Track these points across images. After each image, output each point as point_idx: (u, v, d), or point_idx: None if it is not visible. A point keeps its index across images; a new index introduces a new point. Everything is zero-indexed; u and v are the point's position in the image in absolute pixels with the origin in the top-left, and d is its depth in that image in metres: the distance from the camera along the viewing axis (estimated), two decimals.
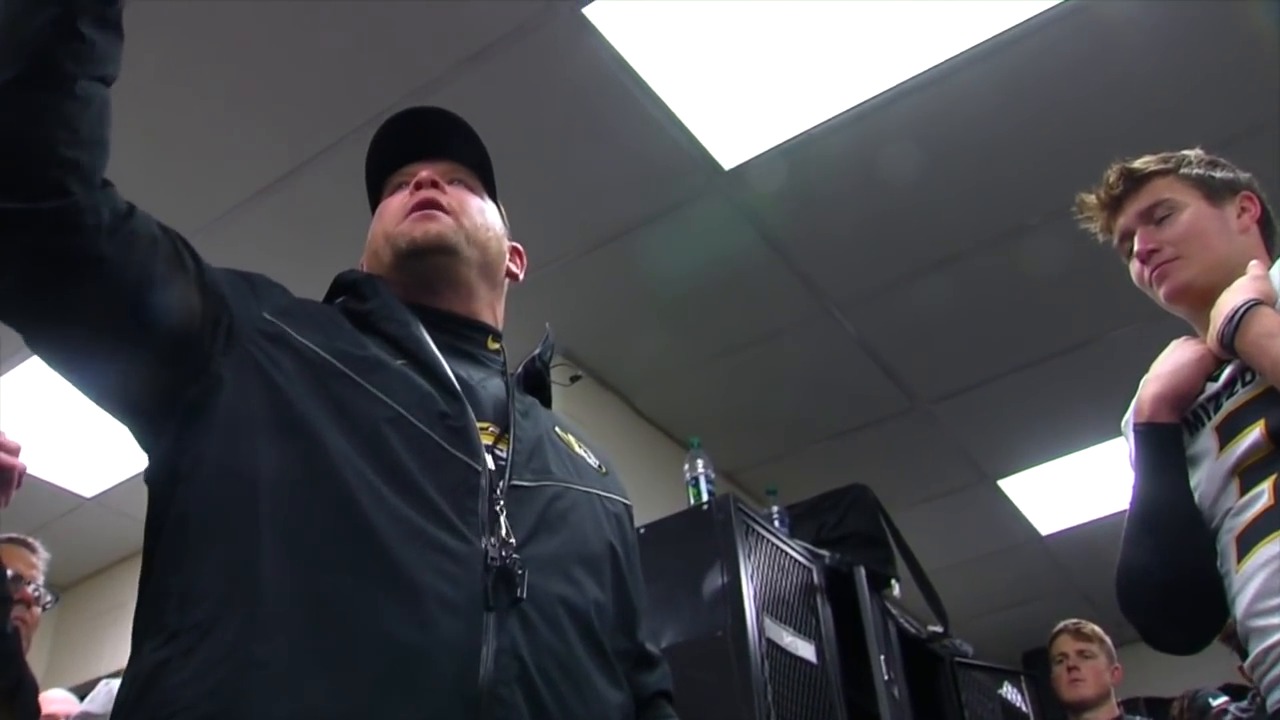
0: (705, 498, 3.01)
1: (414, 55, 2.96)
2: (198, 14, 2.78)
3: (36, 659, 4.86)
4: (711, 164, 3.32)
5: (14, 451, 1.51)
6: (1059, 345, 4.21)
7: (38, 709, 1.62)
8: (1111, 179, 1.77)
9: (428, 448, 1.16)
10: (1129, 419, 1.70)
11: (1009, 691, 4.08)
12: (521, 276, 1.56)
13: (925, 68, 3.06)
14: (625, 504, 1.45)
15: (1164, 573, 1.61)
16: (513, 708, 1.06)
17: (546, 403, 1.47)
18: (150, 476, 1.16)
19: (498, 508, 1.16)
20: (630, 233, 3.57)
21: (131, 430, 1.18)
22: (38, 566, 2.16)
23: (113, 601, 5.07)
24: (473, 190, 1.48)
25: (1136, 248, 1.71)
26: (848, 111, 3.18)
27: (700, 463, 3.08)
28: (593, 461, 1.42)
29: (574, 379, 1.63)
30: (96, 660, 4.87)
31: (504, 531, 1.14)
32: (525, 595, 1.11)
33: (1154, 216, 1.71)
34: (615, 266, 3.65)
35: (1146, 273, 1.70)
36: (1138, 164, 1.76)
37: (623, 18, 2.89)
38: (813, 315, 3.99)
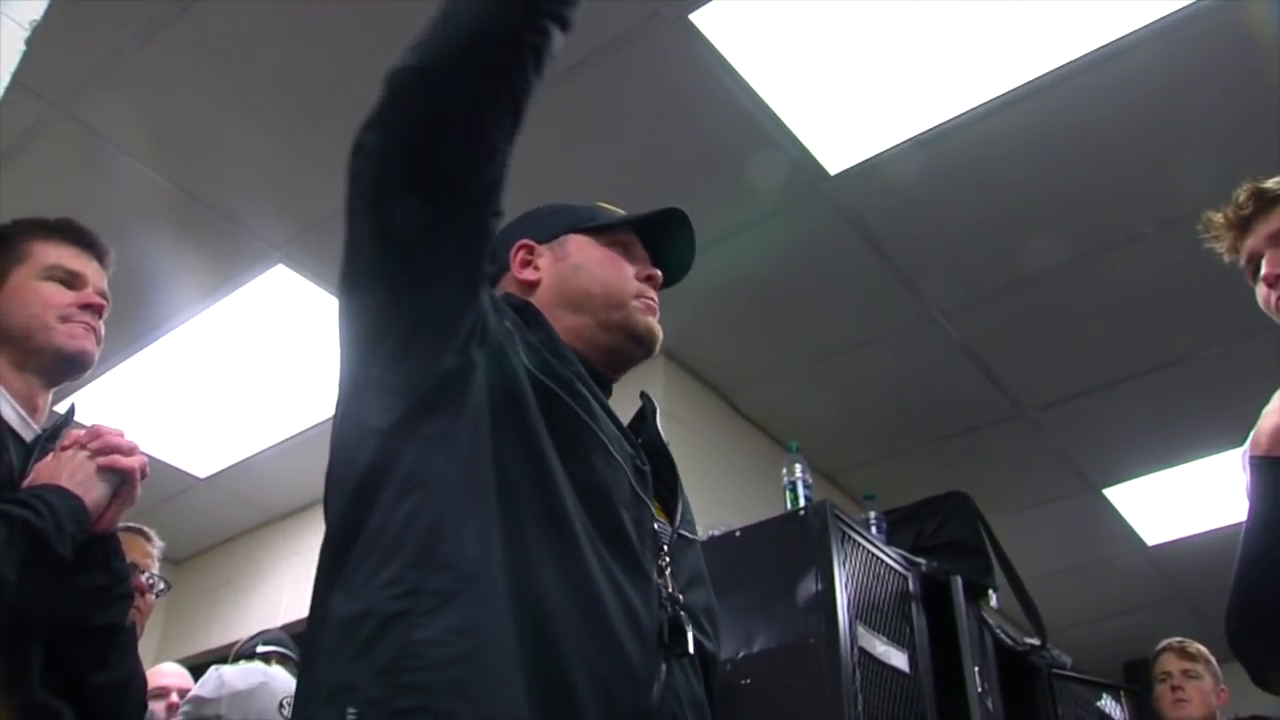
0: (802, 503, 3.00)
1: None
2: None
3: (150, 634, 5.07)
4: (817, 168, 3.32)
5: (131, 452, 1.55)
6: (1169, 356, 4.11)
7: (145, 703, 1.69)
8: (1241, 199, 1.69)
9: (623, 482, 1.24)
10: (1246, 450, 1.64)
11: (1108, 704, 4.01)
12: None
13: (1036, 74, 3.02)
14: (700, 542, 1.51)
15: (1275, 609, 1.57)
16: None
17: None
18: (378, 423, 1.17)
19: (664, 555, 1.26)
20: (735, 234, 3.57)
21: (380, 379, 1.20)
22: (153, 555, 2.23)
23: (223, 577, 5.24)
24: None
25: (1264, 270, 1.64)
26: (955, 119, 3.15)
27: (798, 467, 3.08)
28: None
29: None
30: (206, 634, 5.05)
31: (669, 578, 1.24)
32: (691, 649, 1.20)
33: None
34: (720, 267, 3.66)
35: (1274, 298, 1.63)
36: (1270, 184, 1.68)
37: (728, 23, 2.88)
38: (916, 319, 3.95)
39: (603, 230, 1.49)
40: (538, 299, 1.41)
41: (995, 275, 3.76)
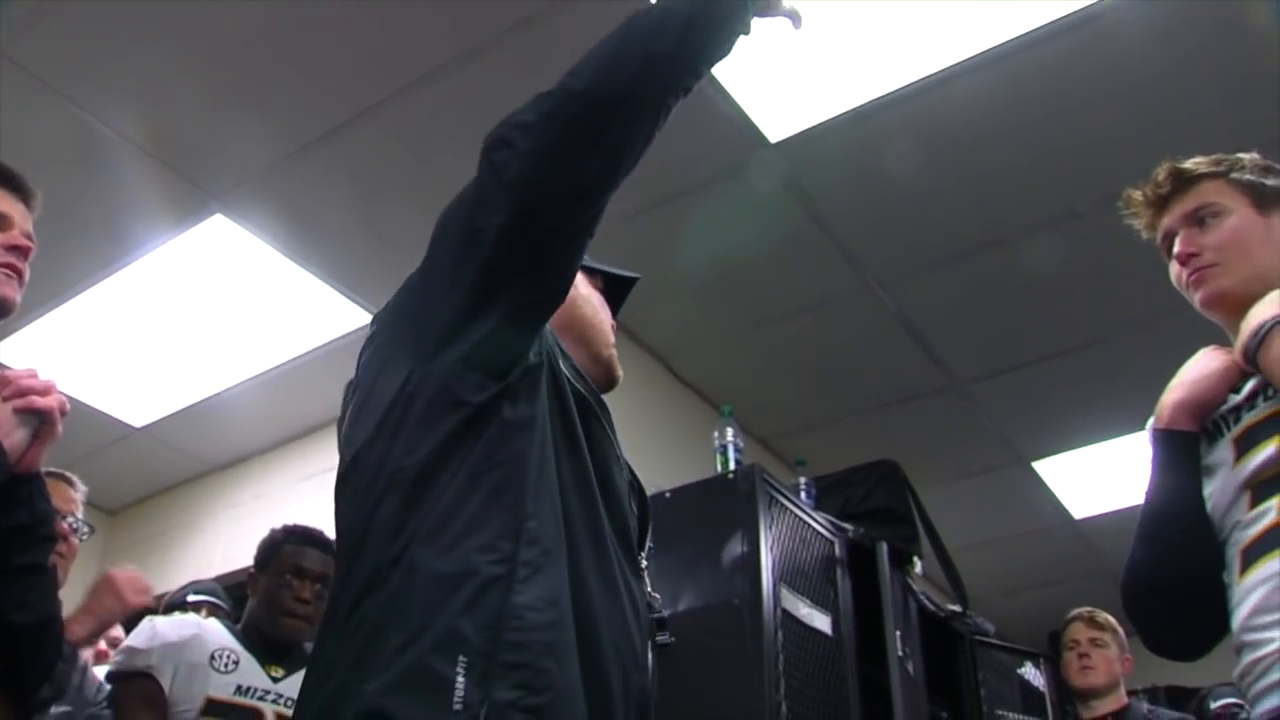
0: (732, 466, 3.04)
1: (457, 22, 2.98)
2: None
3: (82, 583, 5.03)
4: (758, 136, 3.33)
5: (47, 392, 1.55)
6: (1101, 332, 4.18)
7: (60, 647, 1.69)
8: (1160, 177, 1.73)
9: (625, 491, 1.43)
10: (1150, 423, 1.69)
11: (1029, 672, 4.10)
12: None
13: (979, 50, 3.04)
14: None
15: (1166, 578, 1.61)
16: (651, 712, 1.36)
17: None
18: (475, 402, 1.29)
19: (646, 560, 1.48)
20: (674, 200, 3.59)
21: (480, 345, 1.32)
22: (76, 500, 2.23)
23: (158, 528, 5.20)
24: None
25: (1177, 249, 1.68)
26: (898, 90, 3.17)
27: (730, 431, 3.11)
28: None
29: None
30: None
31: (646, 578, 1.45)
32: (667, 642, 1.48)
33: (1198, 219, 1.67)
34: (658, 232, 3.68)
35: (1185, 276, 1.67)
36: (1188, 164, 1.72)
37: None
38: (854, 290, 3.99)
39: (591, 271, 1.72)
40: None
41: (933, 248, 3.80)
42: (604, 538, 1.32)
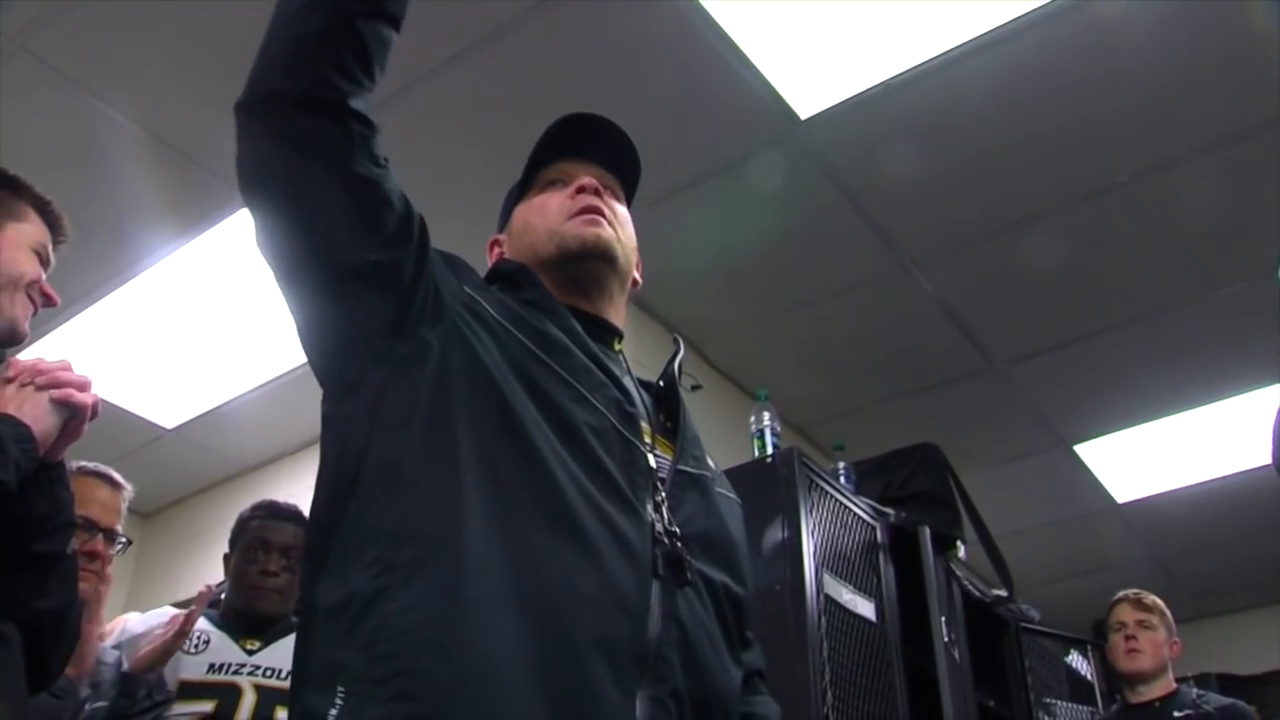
0: (770, 451, 3.00)
1: (457, 18, 2.93)
2: None
3: (118, 587, 5.02)
4: (788, 113, 3.27)
5: (84, 387, 1.56)
6: (1140, 311, 4.09)
7: (79, 632, 1.70)
8: None
9: (606, 428, 1.27)
10: None
11: (1075, 660, 4.04)
12: (641, 283, 1.62)
13: (1008, 18, 2.97)
14: (739, 503, 1.53)
15: None
16: (673, 667, 1.17)
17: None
18: (341, 413, 1.25)
19: (660, 491, 1.28)
20: (704, 181, 3.53)
21: (329, 366, 1.27)
22: (118, 508, 2.19)
23: (190, 530, 5.21)
24: (619, 199, 1.56)
25: None
26: (929, 62, 3.10)
27: (766, 415, 3.07)
28: (711, 463, 1.50)
29: (695, 388, 1.71)
30: (174, 585, 5.02)
31: (665, 510, 1.26)
32: (691, 577, 1.23)
33: None
34: (688, 214, 3.63)
35: None
36: None
37: None
38: (889, 270, 3.92)
39: (529, 184, 1.54)
40: None
41: (969, 226, 3.73)
42: (557, 485, 1.17)
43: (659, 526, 1.23)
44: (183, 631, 2.30)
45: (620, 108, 3.17)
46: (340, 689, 1.07)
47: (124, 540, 2.19)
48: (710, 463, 1.48)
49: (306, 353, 1.27)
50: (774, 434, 3.03)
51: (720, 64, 3.11)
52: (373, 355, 1.23)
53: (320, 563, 1.19)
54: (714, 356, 4.43)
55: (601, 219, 1.45)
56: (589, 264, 1.44)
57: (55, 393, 1.53)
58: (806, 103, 3.25)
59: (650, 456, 1.29)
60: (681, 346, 1.57)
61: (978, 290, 4.04)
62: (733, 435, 3.33)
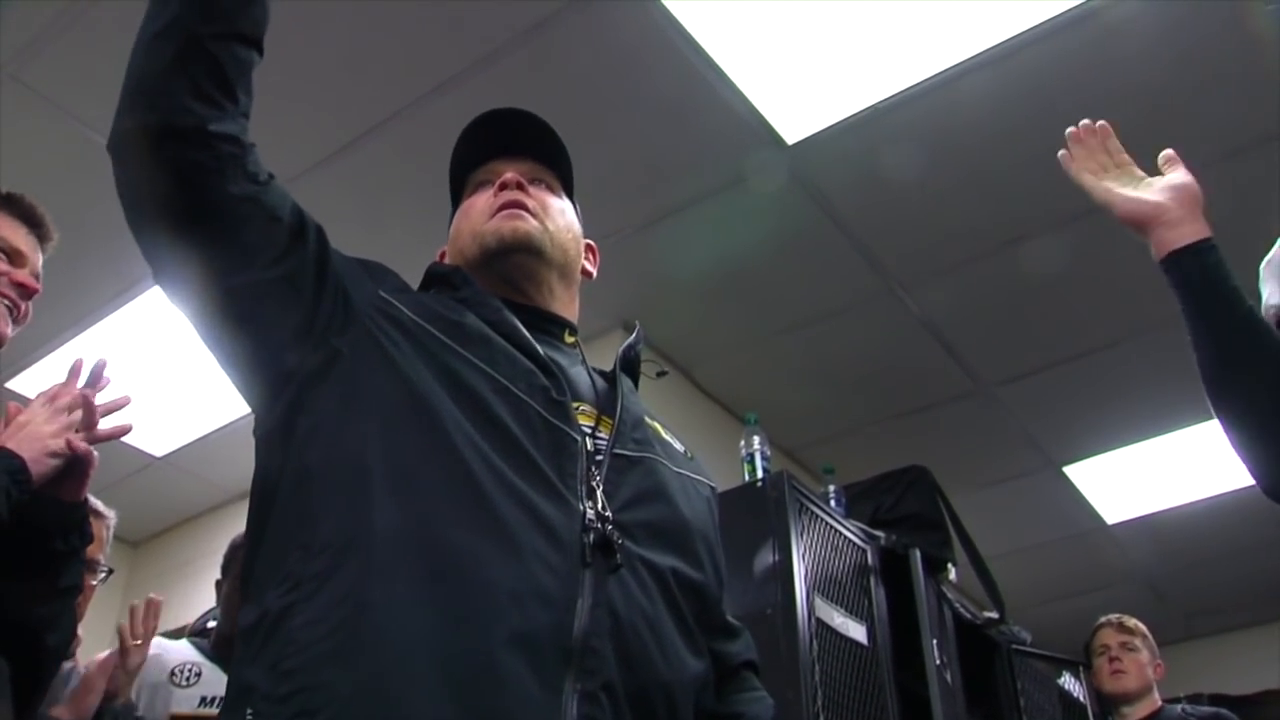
0: (760, 474, 3.00)
1: (471, 25, 2.96)
2: None
3: (105, 617, 4.99)
4: (775, 138, 3.29)
5: (91, 425, 1.67)
6: (1128, 331, 4.12)
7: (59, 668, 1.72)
8: None
9: (530, 417, 1.24)
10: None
11: (1068, 681, 4.03)
12: (595, 273, 1.62)
13: (995, 42, 3.00)
14: (711, 487, 1.51)
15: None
16: (604, 659, 1.13)
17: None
18: (263, 433, 1.25)
19: (595, 476, 1.24)
20: (692, 206, 3.55)
21: (247, 389, 1.27)
22: (102, 538, 2.19)
23: (180, 558, 5.19)
24: (553, 191, 1.55)
25: None
26: (915, 87, 3.13)
27: (756, 439, 3.07)
28: (679, 447, 1.48)
29: (660, 374, 1.68)
30: (163, 615, 4.98)
31: (599, 496, 1.23)
32: (622, 561, 1.19)
33: None
34: (677, 239, 3.64)
35: None
36: None
37: None
38: (876, 293, 3.94)
39: (458, 192, 1.56)
40: None
41: (956, 248, 3.75)
42: (475, 478, 1.15)
43: (590, 513, 1.20)
44: (125, 648, 2.28)
45: (609, 131, 3.25)
46: (249, 711, 1.06)
47: (105, 570, 2.19)
48: (676, 445, 1.46)
49: (231, 381, 1.28)
50: (764, 458, 3.04)
51: (708, 89, 3.13)
52: (285, 371, 1.22)
53: (246, 588, 1.19)
54: (703, 380, 4.44)
55: (522, 212, 1.45)
56: (512, 258, 1.43)
57: (53, 443, 1.58)
58: (794, 127, 3.27)
59: (586, 440, 1.27)
60: (635, 334, 1.56)
61: (966, 313, 4.06)
62: (721, 459, 3.33)
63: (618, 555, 1.18)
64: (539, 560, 1.13)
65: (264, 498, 1.21)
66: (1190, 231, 1.61)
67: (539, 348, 1.32)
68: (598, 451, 1.28)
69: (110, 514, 2.24)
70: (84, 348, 4.03)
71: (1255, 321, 1.55)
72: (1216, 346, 1.56)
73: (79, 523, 1.59)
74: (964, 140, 3.31)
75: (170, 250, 1.21)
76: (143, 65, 1.21)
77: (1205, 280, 1.59)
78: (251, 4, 1.25)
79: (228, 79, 1.21)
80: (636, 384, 1.54)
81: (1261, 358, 1.52)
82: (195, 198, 1.19)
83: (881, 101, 3.17)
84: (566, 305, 1.51)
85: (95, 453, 1.63)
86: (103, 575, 2.17)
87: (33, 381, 4.06)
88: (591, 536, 1.18)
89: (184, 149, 1.17)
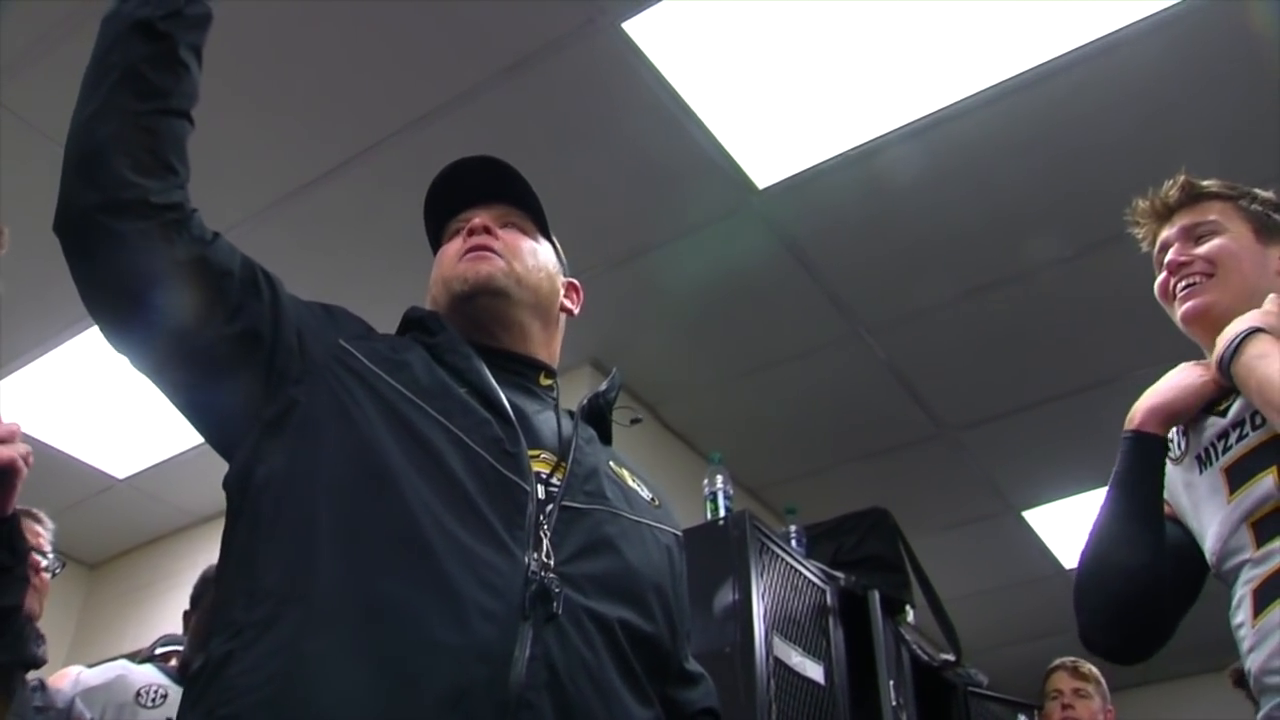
0: (722, 513, 3.01)
1: (450, 63, 2.99)
2: (232, 15, 2.83)
3: (60, 638, 4.94)
4: (746, 182, 3.34)
5: (8, 439, 1.56)
6: (1089, 379, 4.17)
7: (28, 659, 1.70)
8: (1171, 190, 1.73)
9: (483, 469, 1.24)
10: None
11: None
12: (577, 311, 1.63)
13: (961, 96, 3.07)
14: (675, 534, 1.50)
15: (1117, 579, 1.63)
16: (540, 712, 1.11)
17: (606, 439, 1.54)
18: (226, 483, 1.26)
19: (543, 528, 1.23)
20: (663, 246, 3.59)
21: (211, 440, 1.31)
22: (44, 536, 2.20)
23: (139, 581, 5.13)
24: (525, 233, 1.55)
25: (1169, 258, 1.67)
26: (884, 136, 3.19)
27: (720, 478, 3.09)
28: (645, 494, 1.48)
29: (634, 421, 1.69)
30: (120, 638, 4.94)
31: (545, 548, 1.21)
32: (560, 610, 1.17)
33: (1196, 234, 1.67)
34: (647, 279, 3.68)
35: (1172, 284, 1.66)
36: (1203, 182, 1.72)
37: (663, 35, 2.90)
38: (842, 336, 3.99)
39: (437, 243, 1.58)
40: None
41: (921, 294, 3.80)
42: (419, 529, 1.15)
43: (534, 564, 1.18)
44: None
45: (581, 174, 3.28)
46: None
47: (59, 562, 2.19)
48: (642, 493, 1.46)
49: (197, 431, 1.31)
50: (727, 496, 3.05)
51: (681, 132, 3.17)
52: (248, 422, 1.25)
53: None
54: (669, 419, 4.46)
55: (487, 253, 1.46)
56: (477, 300, 1.45)
57: None
58: (764, 172, 3.32)
59: (539, 489, 1.26)
60: (610, 380, 1.57)
61: (930, 357, 4.11)
62: (685, 496, 3.35)
63: (555, 604, 1.17)
64: (479, 613, 1.12)
65: (223, 544, 1.24)
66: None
67: (502, 396, 1.33)
68: (549, 499, 1.27)
69: (45, 518, 2.25)
70: (51, 366, 4.02)
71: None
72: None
73: (6, 538, 1.56)
74: (931, 190, 3.37)
75: (130, 327, 1.25)
76: (81, 147, 1.23)
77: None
78: (182, 80, 1.30)
79: (164, 152, 1.25)
80: (608, 430, 1.54)
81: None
82: (146, 267, 1.21)
83: (852, 149, 3.22)
84: (543, 346, 1.52)
85: (20, 462, 1.58)
86: (58, 569, 2.17)
87: (2, 394, 4.04)
88: (533, 588, 1.16)
89: (130, 222, 1.20)
